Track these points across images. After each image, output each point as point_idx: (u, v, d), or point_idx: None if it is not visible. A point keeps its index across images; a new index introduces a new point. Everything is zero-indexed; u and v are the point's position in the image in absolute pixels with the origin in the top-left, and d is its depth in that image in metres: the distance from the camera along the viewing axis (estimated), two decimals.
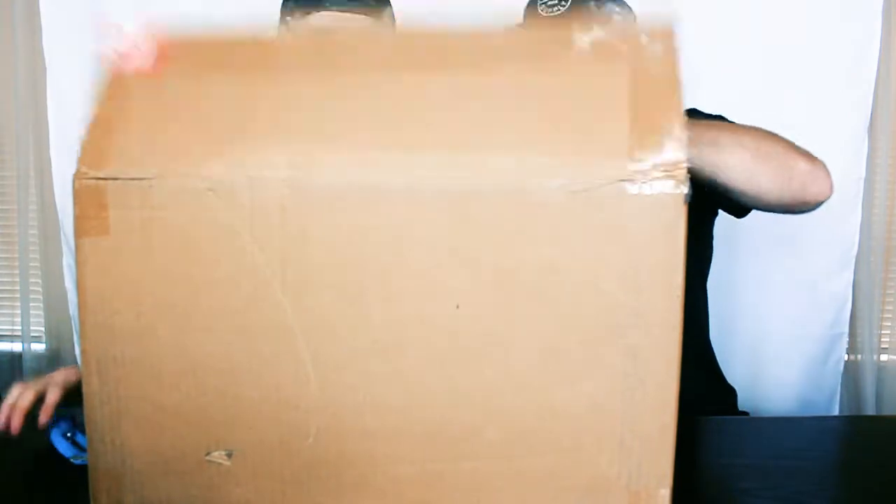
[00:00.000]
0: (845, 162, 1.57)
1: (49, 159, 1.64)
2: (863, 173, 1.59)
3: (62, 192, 1.64)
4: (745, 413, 1.20)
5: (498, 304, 0.53)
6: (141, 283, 0.56)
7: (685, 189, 0.51)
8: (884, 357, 1.71)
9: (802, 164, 0.87)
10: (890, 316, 1.71)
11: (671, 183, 0.51)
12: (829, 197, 0.89)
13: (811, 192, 0.88)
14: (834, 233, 1.44)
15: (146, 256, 0.56)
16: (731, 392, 1.22)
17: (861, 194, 1.59)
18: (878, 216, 1.63)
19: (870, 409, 1.67)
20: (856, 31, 1.53)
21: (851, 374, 1.68)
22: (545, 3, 1.11)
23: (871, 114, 1.56)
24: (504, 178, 0.53)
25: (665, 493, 0.54)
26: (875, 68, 1.54)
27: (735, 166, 0.83)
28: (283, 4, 1.04)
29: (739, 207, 1.04)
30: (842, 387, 1.68)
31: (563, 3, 1.10)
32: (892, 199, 1.65)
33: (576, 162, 0.52)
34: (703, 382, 1.19)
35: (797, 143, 0.87)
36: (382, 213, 0.53)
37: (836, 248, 1.58)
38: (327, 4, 0.97)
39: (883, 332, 1.70)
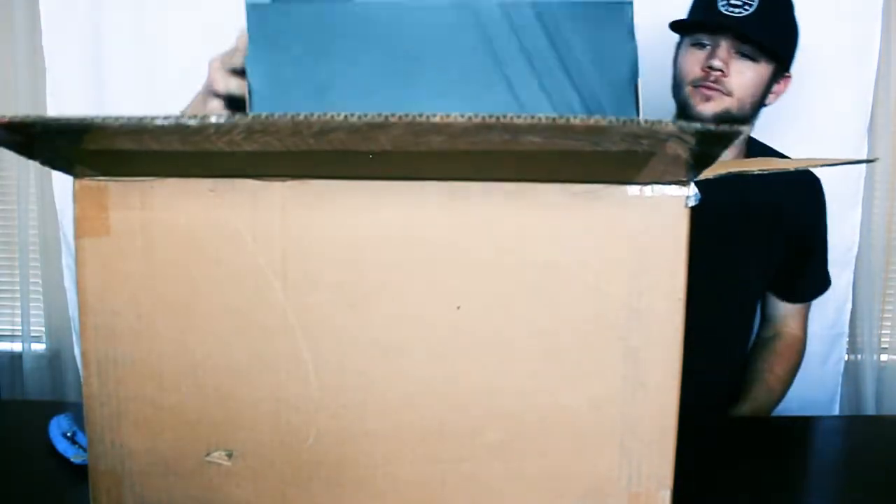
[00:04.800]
0: None
1: None
2: (863, 173, 1.58)
3: (62, 192, 1.64)
4: None
5: (498, 305, 0.53)
6: (141, 283, 0.56)
7: (688, 192, 0.51)
8: (884, 357, 1.71)
9: None
10: (890, 316, 1.71)
11: (674, 186, 0.51)
12: None
13: None
14: (834, 233, 1.44)
15: (146, 256, 0.55)
16: None
17: (861, 194, 1.59)
18: (878, 216, 1.63)
19: (870, 409, 1.67)
20: (856, 31, 1.52)
21: (851, 374, 1.68)
22: (728, 1, 1.06)
23: (871, 114, 1.56)
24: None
25: (665, 494, 0.54)
26: (875, 68, 1.54)
27: None
28: None
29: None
30: (842, 387, 1.67)
31: (748, 5, 1.06)
32: (892, 199, 1.64)
33: None
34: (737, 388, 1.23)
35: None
36: (383, 213, 0.53)
37: (837, 248, 1.58)
38: None
39: (883, 332, 1.70)
